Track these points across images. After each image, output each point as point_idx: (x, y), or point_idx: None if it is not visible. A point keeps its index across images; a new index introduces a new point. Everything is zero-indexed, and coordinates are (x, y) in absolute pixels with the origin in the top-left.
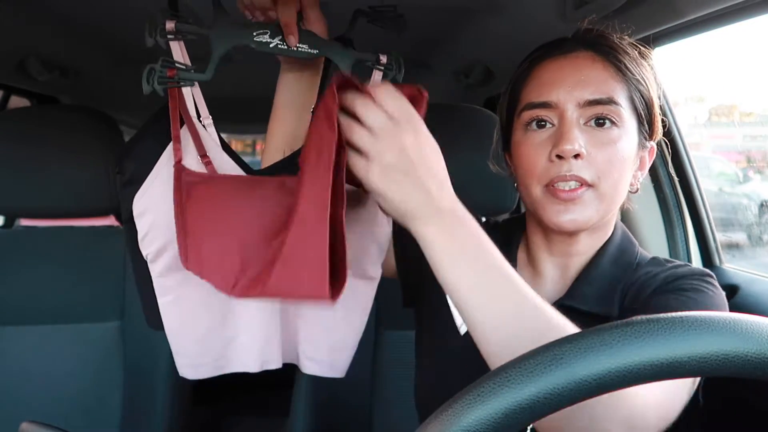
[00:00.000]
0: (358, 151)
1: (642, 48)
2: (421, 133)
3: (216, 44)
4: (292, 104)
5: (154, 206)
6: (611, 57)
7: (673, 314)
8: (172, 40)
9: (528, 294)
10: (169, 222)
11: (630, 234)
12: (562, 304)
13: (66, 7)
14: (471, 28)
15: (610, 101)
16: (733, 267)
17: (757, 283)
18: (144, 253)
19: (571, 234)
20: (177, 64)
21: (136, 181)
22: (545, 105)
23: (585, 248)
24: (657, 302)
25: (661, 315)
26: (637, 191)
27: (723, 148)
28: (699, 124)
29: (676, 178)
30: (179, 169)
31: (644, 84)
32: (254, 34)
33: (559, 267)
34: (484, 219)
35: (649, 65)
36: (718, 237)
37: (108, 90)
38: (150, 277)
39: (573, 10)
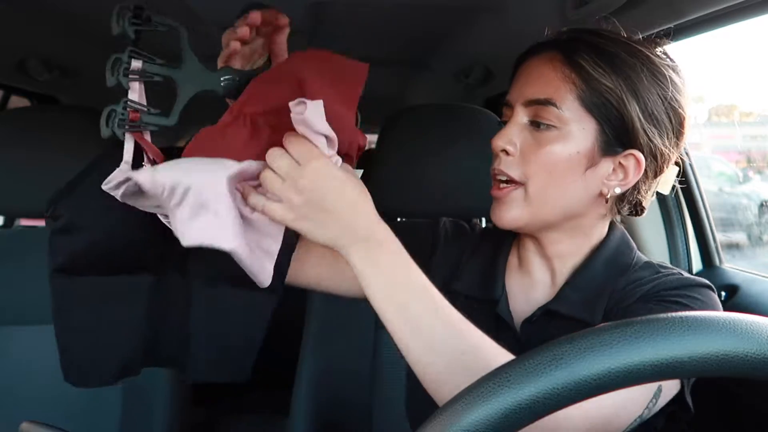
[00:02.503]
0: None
1: (639, 48)
2: (321, 170)
3: (183, 88)
4: None
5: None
6: (575, 57)
7: (673, 314)
8: (134, 80)
9: (453, 319)
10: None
11: (629, 238)
12: (548, 309)
13: (66, 7)
14: (471, 28)
15: (547, 102)
16: (733, 267)
17: (757, 283)
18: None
19: (534, 235)
20: (139, 107)
21: (74, 230)
22: (506, 104)
23: (569, 250)
24: (636, 310)
25: (661, 315)
26: (607, 202)
27: (723, 148)
28: (699, 124)
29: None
30: None
31: (616, 87)
32: (222, 79)
33: (549, 270)
34: (484, 224)
35: (649, 68)
36: (718, 237)
37: (108, 90)
38: (80, 337)
39: (573, 10)
